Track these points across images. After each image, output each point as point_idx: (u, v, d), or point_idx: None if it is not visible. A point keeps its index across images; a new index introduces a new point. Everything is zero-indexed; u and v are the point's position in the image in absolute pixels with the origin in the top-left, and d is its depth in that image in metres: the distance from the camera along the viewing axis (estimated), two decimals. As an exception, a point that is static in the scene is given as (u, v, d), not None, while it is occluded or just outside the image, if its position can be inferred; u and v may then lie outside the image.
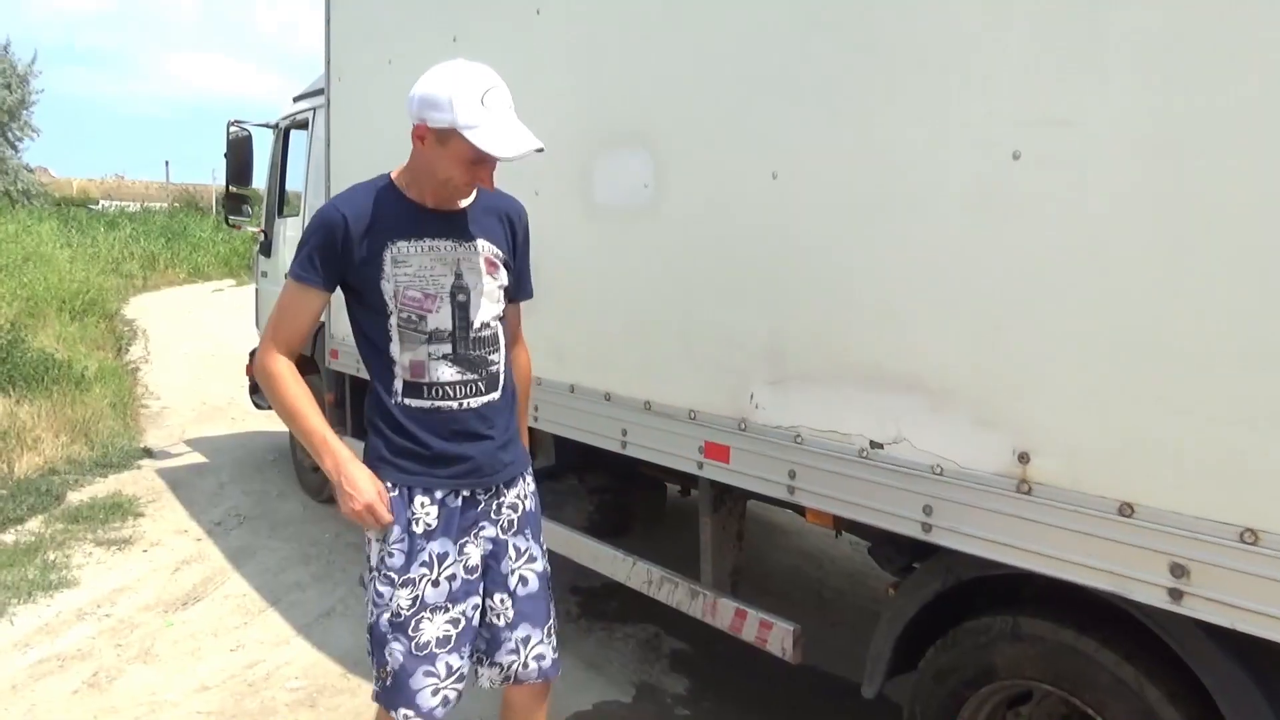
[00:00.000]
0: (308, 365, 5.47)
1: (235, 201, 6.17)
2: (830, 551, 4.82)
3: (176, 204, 33.39)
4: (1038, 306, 1.82)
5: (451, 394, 1.93)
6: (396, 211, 1.90)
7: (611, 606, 4.03)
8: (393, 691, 1.95)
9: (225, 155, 5.82)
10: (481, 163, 1.82)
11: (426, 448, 1.93)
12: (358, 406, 4.72)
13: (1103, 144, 1.72)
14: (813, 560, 4.75)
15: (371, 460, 1.97)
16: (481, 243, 1.98)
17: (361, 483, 1.87)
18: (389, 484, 1.94)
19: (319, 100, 4.97)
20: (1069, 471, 1.79)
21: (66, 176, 42.86)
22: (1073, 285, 1.77)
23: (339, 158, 4.53)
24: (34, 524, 4.98)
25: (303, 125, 5.63)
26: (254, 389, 6.53)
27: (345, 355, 4.51)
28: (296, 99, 5.84)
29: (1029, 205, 1.83)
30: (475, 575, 2.01)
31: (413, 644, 1.93)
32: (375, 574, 1.96)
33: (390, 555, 1.93)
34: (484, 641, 2.04)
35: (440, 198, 1.93)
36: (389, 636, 1.94)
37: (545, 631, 2.06)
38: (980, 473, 1.93)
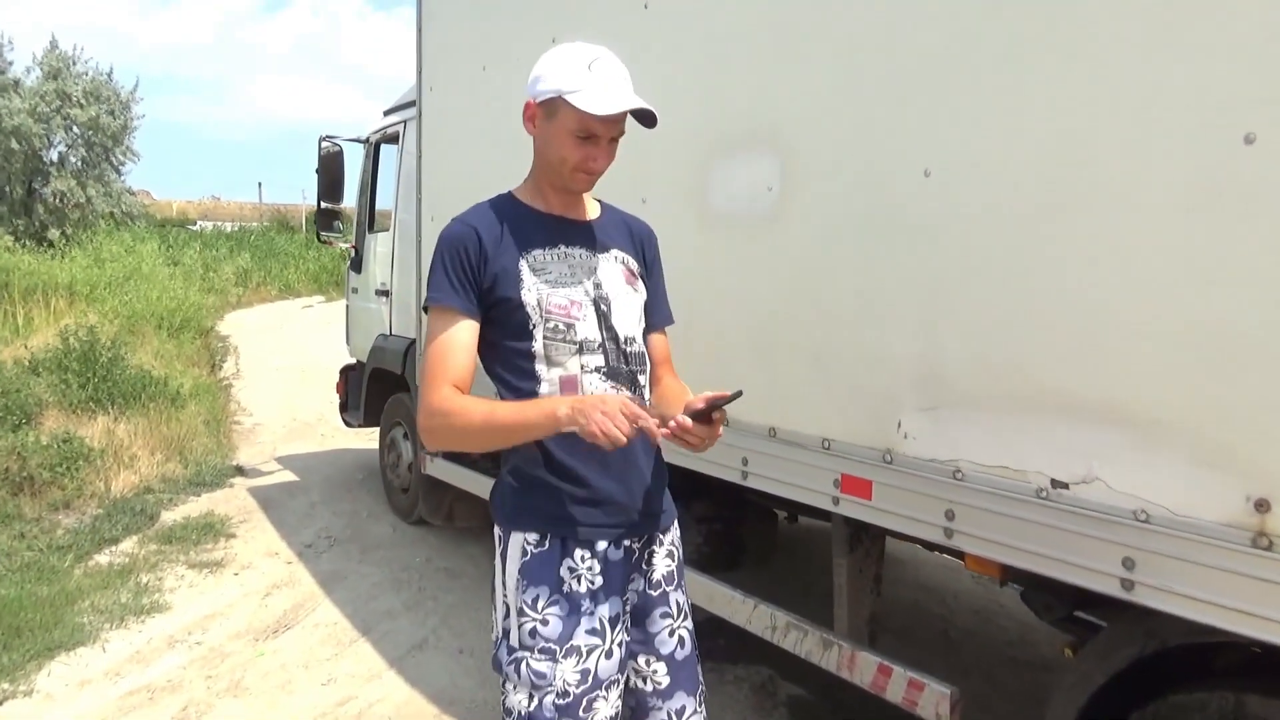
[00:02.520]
0: (399, 384, 5.35)
1: (327, 217, 6.10)
2: (953, 585, 4.45)
3: (268, 223, 34.40)
4: (1282, 322, 1.50)
5: None
6: (525, 222, 1.72)
7: (718, 644, 3.74)
8: None
9: (317, 170, 5.77)
10: (591, 139, 1.65)
11: (583, 484, 1.66)
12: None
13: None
14: (934, 595, 4.39)
15: (510, 510, 1.71)
16: (616, 252, 1.78)
17: (591, 405, 1.49)
18: (535, 535, 1.68)
19: (409, 113, 4.86)
20: (1329, 525, 1.46)
21: (166, 198, 44.59)
22: (1328, 296, 1.45)
23: (430, 167, 4.38)
24: (128, 544, 4.94)
25: (393, 139, 5.53)
26: (344, 406, 6.46)
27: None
28: (387, 112, 5.76)
29: (1269, 199, 1.51)
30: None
31: None
32: (526, 653, 1.65)
33: (544, 623, 1.65)
34: (628, 710, 1.78)
35: (561, 195, 1.74)
36: None
37: (699, 699, 1.79)
38: (1202, 521, 1.60)
